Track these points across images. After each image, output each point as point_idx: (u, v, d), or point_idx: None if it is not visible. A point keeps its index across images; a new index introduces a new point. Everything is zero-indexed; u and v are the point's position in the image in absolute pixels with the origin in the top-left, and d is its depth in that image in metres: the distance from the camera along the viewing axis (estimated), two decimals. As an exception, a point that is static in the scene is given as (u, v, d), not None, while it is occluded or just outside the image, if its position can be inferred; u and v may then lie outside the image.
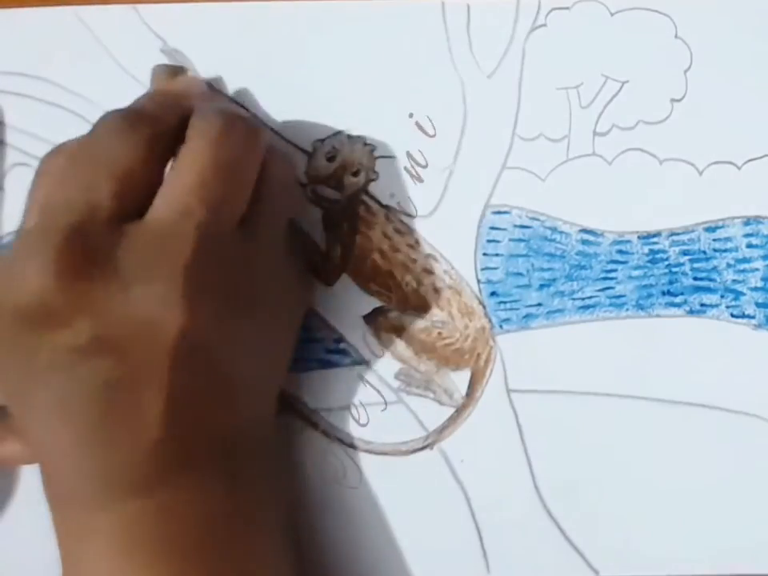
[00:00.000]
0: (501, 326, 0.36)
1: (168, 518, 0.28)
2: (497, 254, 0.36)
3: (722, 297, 0.36)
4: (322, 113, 0.36)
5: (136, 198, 0.29)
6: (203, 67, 0.36)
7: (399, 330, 0.36)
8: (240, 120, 0.31)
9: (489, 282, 0.36)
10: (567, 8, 0.36)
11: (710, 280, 0.36)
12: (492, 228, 0.36)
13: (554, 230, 0.36)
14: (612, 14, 0.36)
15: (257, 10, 0.36)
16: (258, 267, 0.31)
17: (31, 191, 0.31)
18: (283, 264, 0.33)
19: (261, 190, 0.31)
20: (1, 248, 0.36)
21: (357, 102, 0.36)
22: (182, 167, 0.29)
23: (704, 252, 0.36)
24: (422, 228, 0.36)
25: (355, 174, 0.36)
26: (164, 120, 0.31)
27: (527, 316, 0.36)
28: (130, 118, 0.30)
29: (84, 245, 0.28)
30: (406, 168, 0.36)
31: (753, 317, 0.36)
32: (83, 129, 0.30)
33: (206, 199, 0.29)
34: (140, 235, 0.28)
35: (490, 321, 0.36)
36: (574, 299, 0.36)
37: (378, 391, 0.36)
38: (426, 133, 0.36)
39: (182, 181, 0.29)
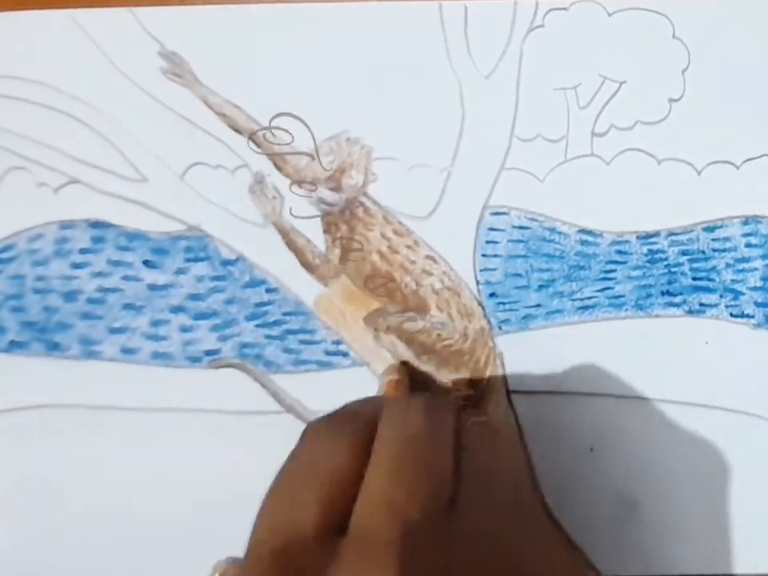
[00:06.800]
0: (500, 327, 0.36)
1: None
2: (495, 255, 0.36)
3: (721, 296, 0.36)
4: (321, 113, 0.36)
5: (342, 504, 0.28)
6: (201, 70, 0.36)
7: (399, 332, 0.36)
8: (427, 401, 0.31)
9: (488, 283, 0.36)
10: (565, 8, 0.36)
11: (709, 280, 0.36)
12: (491, 229, 0.36)
13: (552, 230, 0.36)
14: (609, 15, 0.35)
15: (254, 12, 0.36)
16: (476, 555, 0.27)
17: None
18: (518, 539, 0.29)
19: (461, 470, 0.29)
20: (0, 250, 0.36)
21: (355, 103, 0.36)
22: (379, 462, 0.28)
23: (703, 252, 0.36)
24: (421, 229, 0.36)
25: (353, 175, 0.36)
26: (362, 413, 0.31)
27: (526, 317, 0.36)
28: (331, 421, 0.31)
29: (289, 571, 0.27)
30: (404, 169, 0.36)
31: (752, 316, 0.36)
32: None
33: (407, 492, 0.27)
34: (347, 548, 0.27)
35: (489, 322, 0.36)
36: (573, 300, 0.36)
37: (379, 393, 0.36)
38: (423, 134, 0.36)
39: (380, 479, 0.28)
